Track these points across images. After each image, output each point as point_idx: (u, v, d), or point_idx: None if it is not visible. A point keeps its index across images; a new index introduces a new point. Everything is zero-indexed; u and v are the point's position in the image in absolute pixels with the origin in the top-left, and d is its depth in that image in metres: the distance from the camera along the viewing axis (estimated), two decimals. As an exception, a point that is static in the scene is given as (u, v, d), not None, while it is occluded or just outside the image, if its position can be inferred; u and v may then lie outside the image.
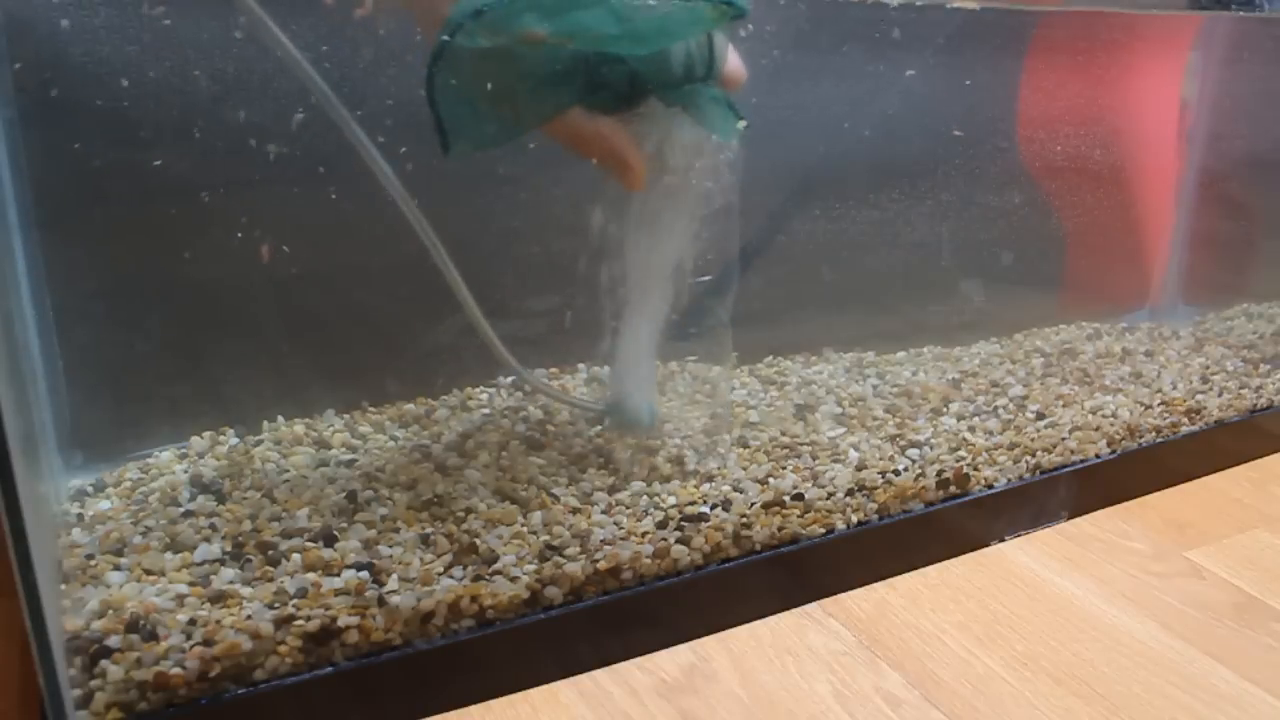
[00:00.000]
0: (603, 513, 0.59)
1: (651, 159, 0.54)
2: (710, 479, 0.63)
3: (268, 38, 0.52)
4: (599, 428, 0.67)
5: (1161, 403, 0.80)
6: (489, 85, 0.50)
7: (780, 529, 0.61)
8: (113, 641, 0.46)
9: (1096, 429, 0.75)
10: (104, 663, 0.46)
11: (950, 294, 0.88)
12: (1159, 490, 0.78)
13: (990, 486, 0.69)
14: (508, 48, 0.48)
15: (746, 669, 0.55)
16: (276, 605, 0.49)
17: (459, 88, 0.50)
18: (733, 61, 0.55)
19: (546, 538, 0.56)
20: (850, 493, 0.64)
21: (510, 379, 0.75)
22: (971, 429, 0.72)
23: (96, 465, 0.61)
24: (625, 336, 0.61)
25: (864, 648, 0.57)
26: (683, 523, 0.58)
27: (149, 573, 0.51)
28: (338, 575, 0.52)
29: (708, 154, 0.56)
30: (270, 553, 0.53)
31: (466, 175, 0.65)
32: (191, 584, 0.50)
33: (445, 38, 0.48)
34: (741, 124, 0.55)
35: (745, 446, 0.67)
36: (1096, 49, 0.88)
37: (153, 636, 0.47)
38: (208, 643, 0.47)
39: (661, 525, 0.58)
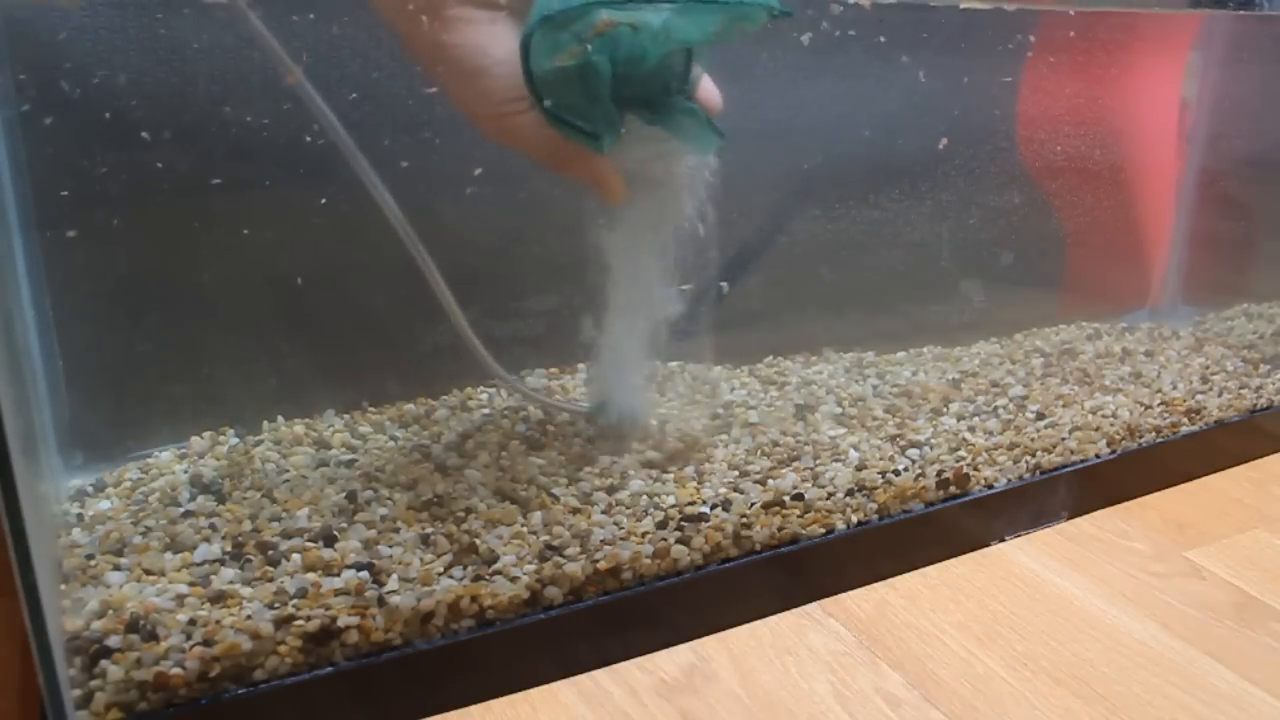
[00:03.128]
0: (603, 513, 0.59)
1: (632, 172, 0.55)
2: (700, 479, 0.63)
3: (253, 32, 0.52)
4: (587, 429, 0.68)
5: (1161, 403, 0.80)
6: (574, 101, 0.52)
7: (780, 529, 0.61)
8: (113, 641, 0.46)
9: (1096, 429, 0.75)
10: (104, 663, 0.46)
11: (950, 294, 0.88)
12: (1159, 490, 0.78)
13: (990, 486, 0.69)
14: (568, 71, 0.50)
15: (746, 669, 0.55)
16: (276, 605, 0.49)
17: (568, 104, 0.52)
18: (707, 87, 0.56)
19: (546, 538, 0.56)
20: (850, 493, 0.64)
21: (511, 379, 0.75)
22: (971, 429, 0.72)
23: (96, 465, 0.61)
24: (608, 340, 0.62)
25: (864, 648, 0.57)
26: (683, 523, 0.58)
27: (149, 573, 0.51)
28: (338, 575, 0.52)
29: (687, 167, 0.57)
30: (270, 553, 0.53)
31: (458, 175, 0.65)
32: (191, 584, 0.50)
33: (527, 55, 0.50)
34: (719, 143, 0.56)
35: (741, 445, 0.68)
36: (1096, 49, 0.88)
37: (153, 636, 0.47)
38: (208, 643, 0.47)
39: (661, 525, 0.58)
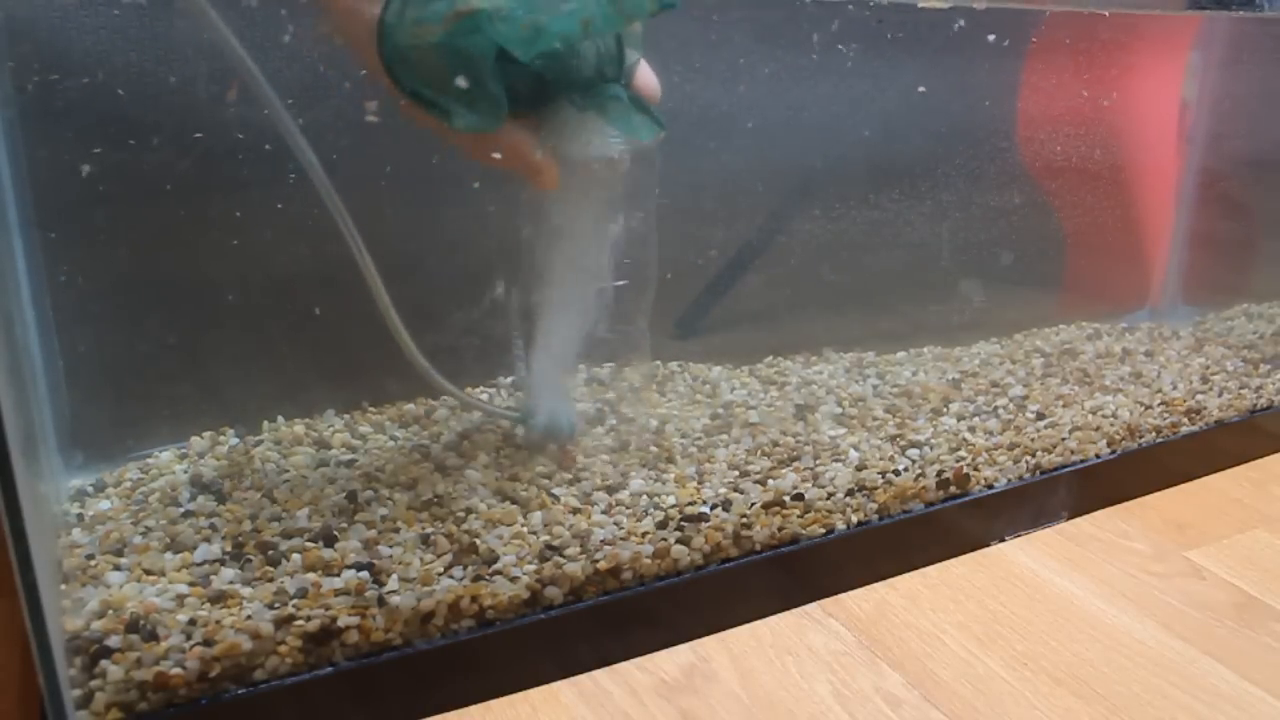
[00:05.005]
0: (603, 513, 0.59)
1: (563, 162, 0.53)
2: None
3: (210, 30, 0.50)
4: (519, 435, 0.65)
5: (1161, 403, 0.80)
6: (446, 81, 0.49)
7: (780, 529, 0.61)
8: (113, 641, 0.46)
9: (1096, 429, 0.75)
10: (104, 663, 0.46)
11: (950, 294, 0.88)
12: (1159, 490, 0.78)
13: (990, 486, 0.69)
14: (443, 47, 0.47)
15: (746, 669, 0.55)
16: (276, 605, 0.49)
17: (426, 83, 0.49)
18: (644, 74, 0.54)
19: (546, 538, 0.56)
20: (850, 493, 0.64)
21: (511, 379, 0.75)
22: (971, 429, 0.72)
23: (96, 465, 0.61)
24: (539, 344, 0.60)
25: (864, 648, 0.57)
26: (683, 523, 0.58)
27: (149, 573, 0.51)
28: (338, 575, 0.52)
29: (624, 158, 0.54)
30: (270, 553, 0.53)
31: (461, 171, 0.65)
32: (191, 584, 0.50)
33: (384, 30, 0.47)
34: (660, 133, 0.54)
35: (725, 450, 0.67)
36: (1096, 49, 0.88)
37: (153, 636, 0.47)
38: (208, 643, 0.47)
39: (661, 525, 0.58)
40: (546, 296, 0.58)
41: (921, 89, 0.78)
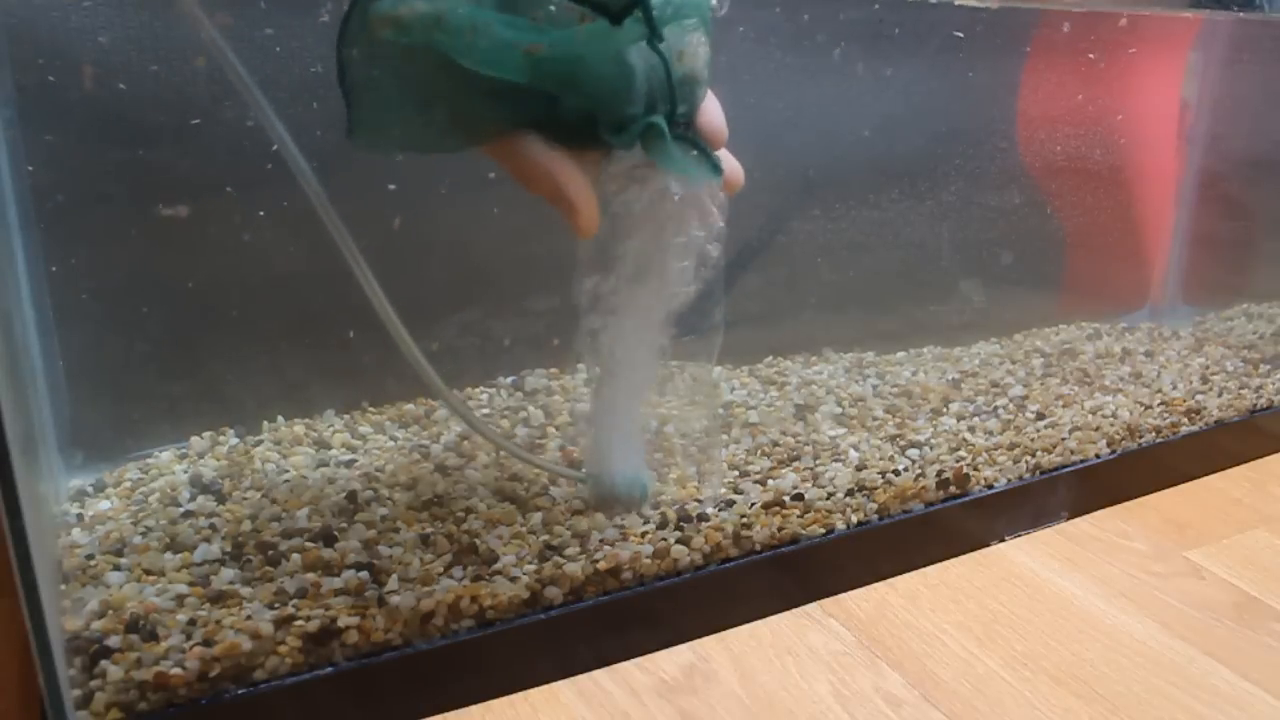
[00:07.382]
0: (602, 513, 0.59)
1: (618, 204, 0.48)
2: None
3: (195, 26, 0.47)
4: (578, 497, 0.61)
5: (1161, 403, 0.80)
6: (413, 84, 0.45)
7: (780, 529, 0.61)
8: (113, 642, 0.46)
9: (1096, 429, 0.75)
10: (104, 663, 0.46)
11: (950, 294, 0.88)
12: (1159, 490, 0.78)
13: (990, 486, 0.69)
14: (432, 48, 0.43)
15: (746, 669, 0.55)
16: (276, 605, 0.49)
17: (378, 78, 0.45)
18: (708, 113, 0.49)
19: (546, 538, 0.56)
20: (850, 493, 0.64)
21: (511, 379, 0.75)
22: (971, 429, 0.72)
23: (96, 465, 0.61)
24: (605, 400, 0.55)
25: (864, 648, 0.57)
26: (683, 523, 0.58)
27: (149, 573, 0.51)
28: (338, 575, 0.52)
29: (689, 202, 0.49)
30: (270, 553, 0.53)
31: (458, 171, 0.65)
32: (191, 584, 0.50)
33: (347, 12, 0.44)
34: (714, 178, 0.48)
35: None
36: (1097, 49, 0.88)
37: (153, 636, 0.47)
38: (208, 643, 0.47)
39: (661, 525, 0.58)
40: (609, 351, 0.53)
41: (959, 33, 0.77)
